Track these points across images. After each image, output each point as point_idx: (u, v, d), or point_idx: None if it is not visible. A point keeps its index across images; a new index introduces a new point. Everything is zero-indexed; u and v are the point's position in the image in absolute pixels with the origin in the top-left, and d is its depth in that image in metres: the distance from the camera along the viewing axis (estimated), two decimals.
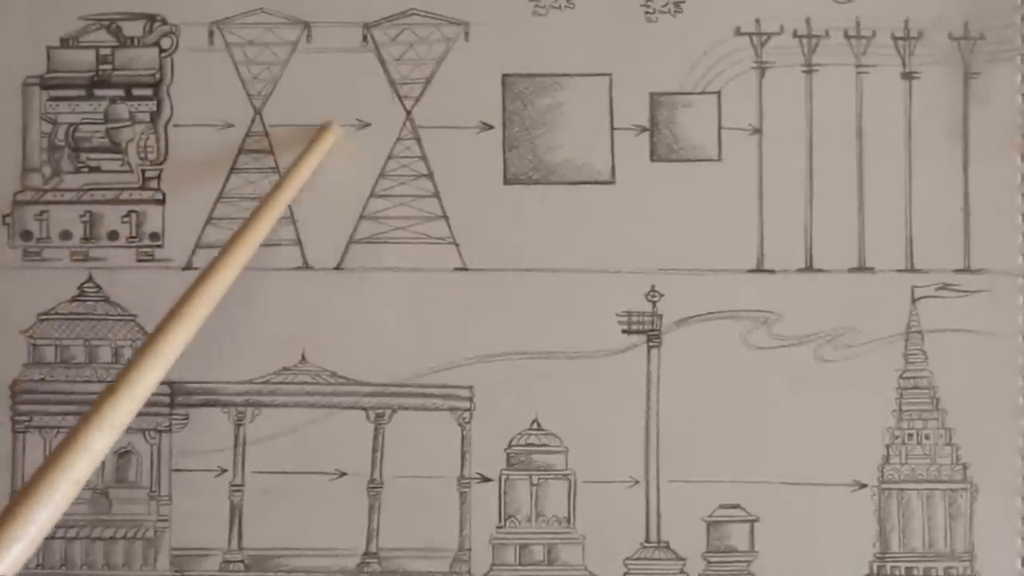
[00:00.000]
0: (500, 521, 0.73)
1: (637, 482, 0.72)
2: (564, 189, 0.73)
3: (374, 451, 0.73)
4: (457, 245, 0.73)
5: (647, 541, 0.72)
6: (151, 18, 0.75)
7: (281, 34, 0.75)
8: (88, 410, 0.49)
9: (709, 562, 0.72)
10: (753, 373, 0.72)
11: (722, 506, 0.72)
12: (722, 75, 0.73)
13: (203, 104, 0.75)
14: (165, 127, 0.75)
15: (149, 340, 0.53)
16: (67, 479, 0.46)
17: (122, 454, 0.74)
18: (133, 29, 0.75)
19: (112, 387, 0.50)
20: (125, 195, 0.75)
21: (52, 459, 0.46)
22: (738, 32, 0.73)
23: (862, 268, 0.73)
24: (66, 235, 0.75)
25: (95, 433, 0.48)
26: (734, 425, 0.72)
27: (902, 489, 0.72)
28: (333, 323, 0.73)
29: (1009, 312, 0.72)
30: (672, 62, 0.73)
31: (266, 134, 0.74)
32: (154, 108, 0.75)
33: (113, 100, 0.75)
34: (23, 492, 0.45)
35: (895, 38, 0.73)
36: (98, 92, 0.75)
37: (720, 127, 0.73)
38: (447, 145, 0.74)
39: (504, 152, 0.74)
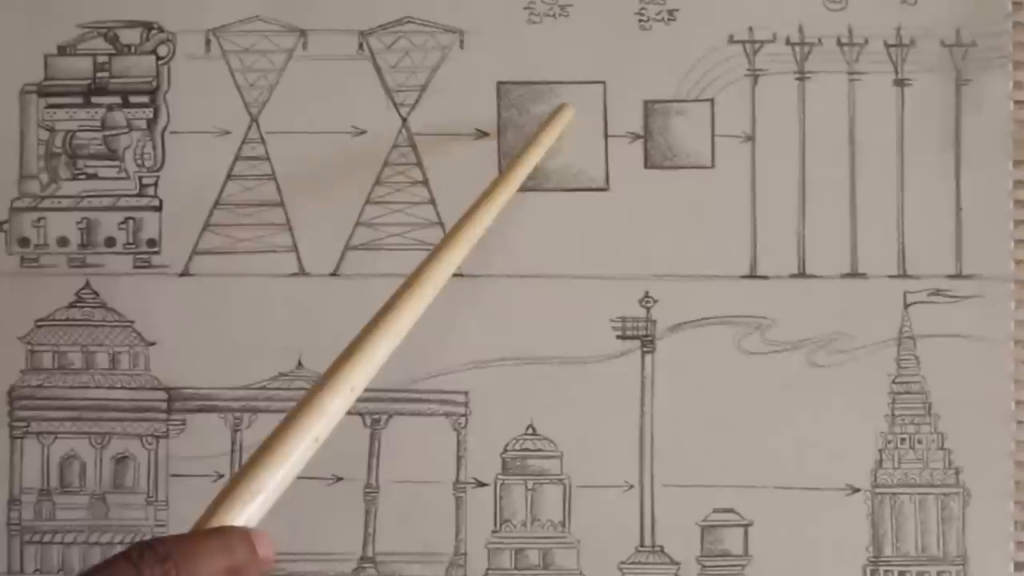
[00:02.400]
0: (496, 526, 0.73)
1: (632, 486, 0.73)
2: (559, 196, 0.73)
3: (370, 456, 0.73)
4: None
5: (641, 545, 0.73)
6: (148, 26, 0.75)
7: (277, 42, 0.75)
8: (327, 371, 0.49)
9: (703, 566, 0.72)
10: (746, 378, 0.72)
11: (716, 510, 0.73)
12: (715, 83, 0.74)
13: (200, 111, 0.75)
14: (162, 134, 0.75)
15: (385, 308, 0.53)
16: (306, 437, 0.46)
17: (119, 460, 0.74)
18: (130, 37, 0.75)
19: (349, 350, 0.50)
20: (122, 202, 0.75)
21: (291, 418, 0.47)
22: (731, 40, 0.74)
23: (855, 274, 0.73)
24: (63, 242, 0.75)
25: (332, 395, 0.48)
26: (728, 430, 0.72)
27: (895, 493, 0.73)
28: (330, 329, 0.73)
29: (1001, 317, 0.72)
30: (666, 70, 0.74)
31: (262, 141, 0.75)
32: (151, 115, 0.75)
33: (110, 107, 0.75)
34: (264, 448, 0.45)
35: (887, 45, 0.74)
36: (95, 99, 0.76)
37: (713, 134, 0.73)
38: (443, 152, 0.74)
39: (499, 159, 0.74)
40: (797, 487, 0.72)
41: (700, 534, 0.72)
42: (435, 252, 0.57)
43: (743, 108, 0.74)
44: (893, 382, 0.73)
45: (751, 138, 0.73)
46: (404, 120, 0.74)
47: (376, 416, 0.73)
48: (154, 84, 0.75)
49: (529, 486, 0.73)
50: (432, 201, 0.74)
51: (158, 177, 0.75)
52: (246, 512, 0.44)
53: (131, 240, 0.75)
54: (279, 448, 0.46)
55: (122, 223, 0.75)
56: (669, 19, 0.74)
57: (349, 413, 0.72)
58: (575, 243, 0.73)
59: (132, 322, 0.74)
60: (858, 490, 0.72)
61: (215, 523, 0.43)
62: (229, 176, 0.75)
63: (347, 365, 0.50)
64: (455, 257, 0.58)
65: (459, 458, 0.73)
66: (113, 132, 0.75)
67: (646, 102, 0.74)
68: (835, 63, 0.74)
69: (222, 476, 0.73)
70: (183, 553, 0.41)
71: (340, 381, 0.49)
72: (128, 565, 0.39)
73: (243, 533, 0.43)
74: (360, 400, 0.72)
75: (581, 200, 0.73)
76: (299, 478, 0.72)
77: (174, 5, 0.75)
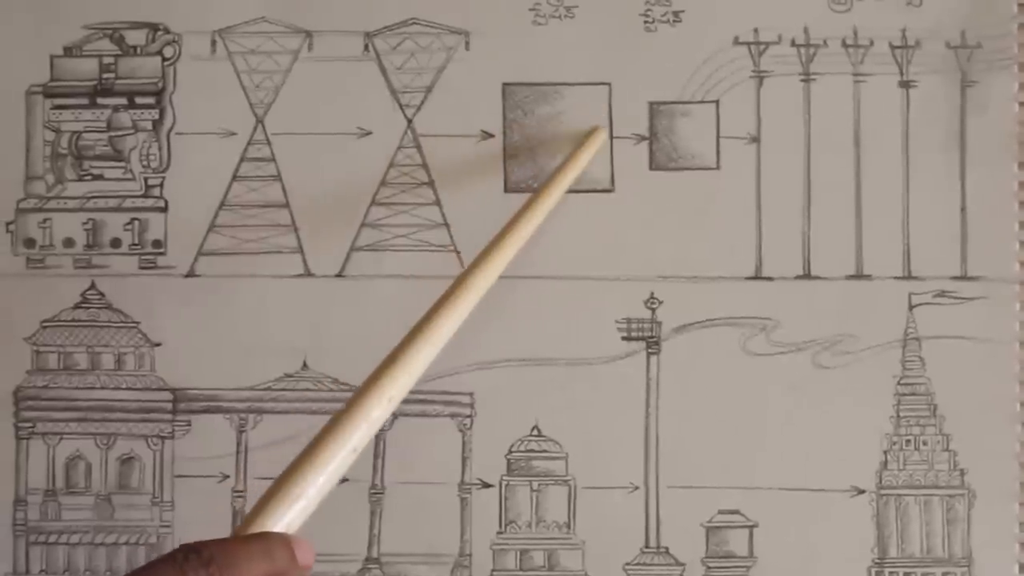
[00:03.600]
0: (501, 527, 0.73)
1: (637, 488, 0.73)
2: (564, 197, 0.73)
3: (376, 457, 0.73)
4: (458, 252, 0.74)
5: (647, 547, 0.73)
6: (154, 27, 0.75)
7: (283, 43, 0.75)
8: (365, 381, 0.50)
9: (708, 567, 0.73)
10: (752, 380, 0.73)
11: (721, 512, 0.73)
12: (720, 84, 0.74)
13: (205, 112, 0.75)
14: (167, 135, 0.75)
15: (425, 319, 0.54)
16: (345, 447, 0.47)
17: (125, 460, 0.74)
18: (136, 38, 0.75)
19: (390, 358, 0.51)
20: (128, 203, 0.75)
21: (331, 427, 0.47)
22: (736, 41, 0.74)
23: (859, 275, 0.73)
24: (69, 243, 0.75)
25: (373, 403, 0.49)
26: (733, 431, 0.72)
27: (900, 495, 0.73)
28: (335, 330, 0.74)
29: (1006, 319, 0.72)
30: (671, 71, 0.74)
31: (268, 142, 0.75)
32: (157, 116, 0.75)
33: (116, 108, 0.76)
34: (304, 456, 0.46)
35: (893, 47, 0.74)
36: (101, 100, 0.76)
37: (719, 136, 0.74)
38: (448, 153, 0.74)
39: (504, 160, 0.74)
40: (802, 488, 0.72)
41: (705, 535, 0.73)
42: (471, 267, 0.58)
43: (748, 110, 0.74)
44: (898, 383, 0.73)
45: (756, 139, 0.73)
46: (409, 121, 0.74)
47: None
48: (160, 85, 0.75)
49: (534, 487, 0.73)
50: (437, 202, 0.74)
51: (164, 178, 0.75)
52: (286, 518, 0.45)
53: (137, 241, 0.75)
54: (319, 456, 0.46)
55: (128, 224, 0.75)
56: (674, 20, 0.74)
57: None
58: (580, 244, 0.73)
59: (138, 323, 0.75)
60: (863, 491, 0.72)
61: (256, 528, 0.44)
62: (235, 177, 0.75)
63: (388, 373, 0.50)
64: (491, 271, 0.59)
65: (464, 459, 0.73)
66: (119, 133, 0.76)
67: (651, 103, 0.74)
68: (840, 65, 0.74)
69: (227, 477, 0.73)
70: (226, 557, 0.42)
71: (381, 390, 0.50)
72: (173, 567, 0.40)
73: (283, 539, 0.44)
74: None
75: (586, 201, 0.73)
76: None
77: (180, 6, 0.75)
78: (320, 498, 0.46)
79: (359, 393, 0.49)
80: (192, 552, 0.41)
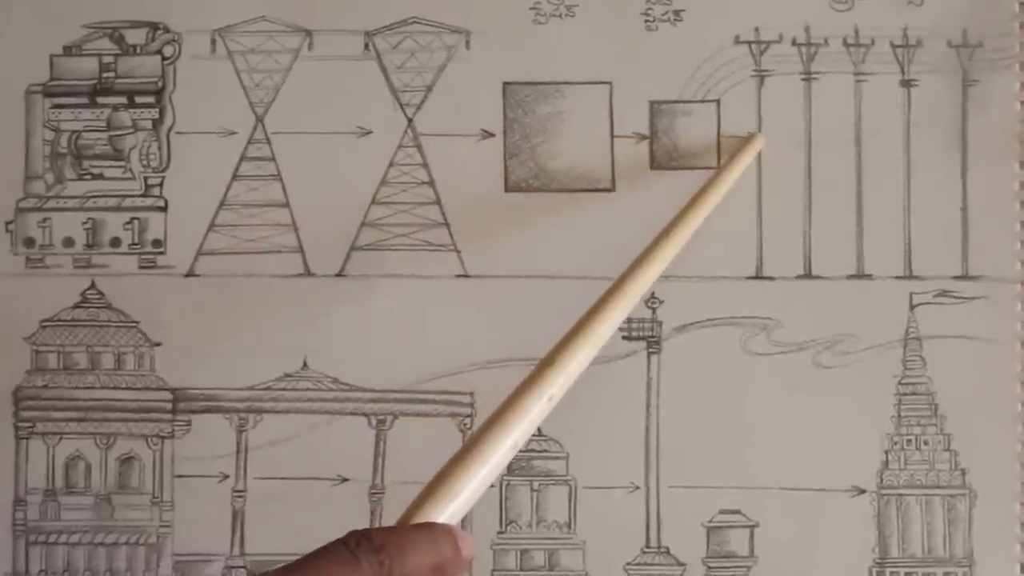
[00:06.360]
0: (501, 527, 0.73)
1: (637, 488, 0.73)
2: (564, 196, 0.73)
3: (376, 457, 0.73)
4: (458, 252, 0.74)
5: (647, 546, 0.73)
6: (154, 26, 0.75)
7: (283, 42, 0.75)
8: (525, 379, 0.51)
9: (709, 567, 0.72)
10: (752, 379, 0.72)
11: (722, 512, 0.73)
12: (721, 83, 0.73)
13: (205, 111, 0.75)
14: (167, 134, 0.75)
15: (583, 321, 0.55)
16: (506, 442, 0.48)
17: (124, 460, 0.74)
18: (136, 37, 0.75)
19: (548, 359, 0.52)
20: (127, 202, 0.75)
21: (492, 422, 0.48)
22: (737, 40, 0.74)
23: (861, 275, 0.73)
24: (69, 242, 0.75)
25: (533, 401, 0.50)
26: (734, 431, 0.72)
27: (901, 495, 0.73)
28: (335, 330, 0.74)
29: (1007, 318, 0.72)
30: (672, 70, 0.73)
31: (268, 141, 0.75)
32: (156, 115, 0.75)
33: (116, 108, 0.75)
34: (466, 449, 0.47)
35: (894, 46, 0.74)
36: (101, 100, 0.76)
37: (719, 135, 0.73)
38: (448, 153, 0.74)
39: (505, 159, 0.74)
40: (803, 488, 0.72)
41: (706, 535, 0.72)
42: (629, 270, 0.59)
43: (749, 109, 0.73)
44: (899, 383, 0.73)
45: None
46: (410, 120, 0.74)
47: (381, 417, 0.73)
48: (160, 84, 0.75)
49: (535, 487, 0.73)
50: (438, 201, 0.74)
51: (163, 177, 0.75)
52: (448, 511, 0.45)
53: (136, 240, 0.75)
54: (481, 451, 0.47)
55: (127, 223, 0.75)
56: (675, 19, 0.74)
57: (354, 414, 0.73)
58: (581, 244, 0.73)
59: (137, 322, 0.75)
60: (864, 491, 0.72)
61: (419, 519, 0.44)
62: (234, 176, 0.75)
63: (547, 372, 0.51)
64: (650, 273, 0.59)
65: None
66: (118, 132, 0.75)
67: (652, 102, 0.74)
68: (841, 64, 0.74)
69: (227, 477, 0.73)
70: (395, 545, 0.42)
71: (541, 388, 0.50)
72: (347, 551, 0.41)
73: (448, 530, 0.44)
74: (365, 401, 0.73)
75: (586, 201, 0.73)
76: (304, 479, 0.73)
77: (180, 5, 0.75)
78: (480, 493, 0.46)
79: (520, 390, 0.50)
80: (363, 539, 0.42)
